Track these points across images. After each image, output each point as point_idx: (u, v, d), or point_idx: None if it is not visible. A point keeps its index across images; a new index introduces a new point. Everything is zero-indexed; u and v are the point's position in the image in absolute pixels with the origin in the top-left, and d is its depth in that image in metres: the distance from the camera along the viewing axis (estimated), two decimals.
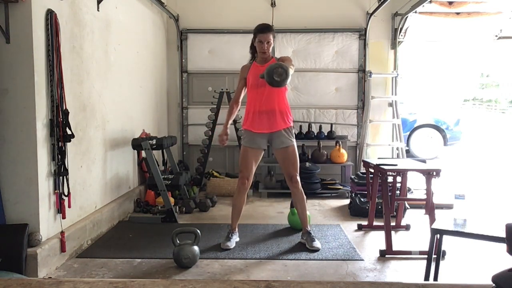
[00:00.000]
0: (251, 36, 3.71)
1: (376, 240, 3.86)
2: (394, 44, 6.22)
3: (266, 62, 3.64)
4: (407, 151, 7.41)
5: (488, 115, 25.02)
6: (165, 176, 4.64)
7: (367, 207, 4.44)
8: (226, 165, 6.37)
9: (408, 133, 9.11)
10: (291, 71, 3.29)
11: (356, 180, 5.11)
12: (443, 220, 2.74)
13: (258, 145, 3.67)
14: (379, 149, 6.34)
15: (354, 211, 4.72)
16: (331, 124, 6.10)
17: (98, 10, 3.97)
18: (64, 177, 3.27)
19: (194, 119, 6.38)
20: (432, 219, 3.47)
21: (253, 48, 3.75)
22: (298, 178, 3.69)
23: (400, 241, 3.83)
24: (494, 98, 30.74)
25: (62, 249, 3.23)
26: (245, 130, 3.76)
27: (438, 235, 2.63)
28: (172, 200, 4.75)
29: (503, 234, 2.00)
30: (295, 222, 4.10)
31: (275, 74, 3.21)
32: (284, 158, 3.67)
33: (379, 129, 6.42)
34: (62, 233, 3.24)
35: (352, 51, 6.25)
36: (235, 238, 3.77)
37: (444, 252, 3.33)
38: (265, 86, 3.49)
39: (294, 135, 3.72)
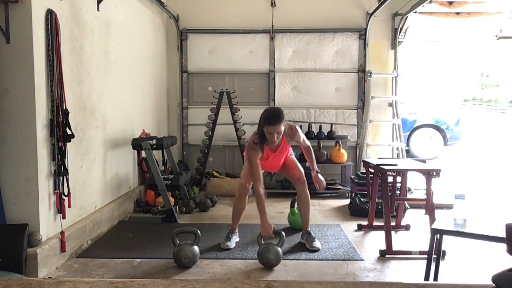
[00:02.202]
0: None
1: (376, 240, 3.86)
2: (394, 44, 6.22)
3: (278, 147, 3.61)
4: (407, 151, 7.41)
5: (488, 115, 25.01)
6: (165, 176, 4.64)
7: (367, 207, 4.44)
8: (226, 165, 6.36)
9: (408, 133, 9.11)
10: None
11: (356, 180, 5.11)
12: (443, 220, 2.74)
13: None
14: (379, 149, 6.34)
15: (354, 211, 4.72)
16: (331, 124, 6.10)
17: (98, 10, 3.97)
18: (64, 177, 3.27)
19: (194, 119, 6.38)
20: (432, 219, 3.47)
21: (260, 129, 3.46)
22: (305, 179, 3.75)
23: (400, 241, 3.83)
24: (494, 98, 30.73)
25: (62, 249, 3.23)
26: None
27: (438, 235, 2.63)
28: (172, 200, 4.75)
29: (503, 234, 2.00)
30: (295, 222, 4.10)
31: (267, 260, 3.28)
32: (287, 169, 3.83)
33: (379, 129, 6.42)
34: (62, 233, 3.24)
35: (352, 51, 6.25)
36: (235, 238, 3.77)
37: (444, 252, 3.33)
38: (273, 158, 3.66)
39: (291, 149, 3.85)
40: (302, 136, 3.72)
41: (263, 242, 3.34)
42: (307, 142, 3.78)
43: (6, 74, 2.97)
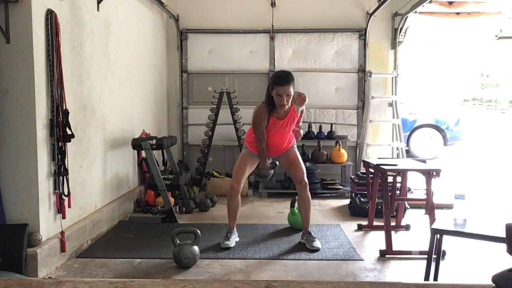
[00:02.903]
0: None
1: (376, 240, 3.86)
2: (394, 44, 6.22)
3: (286, 114, 3.45)
4: (407, 151, 7.41)
5: (488, 115, 25.00)
6: (165, 176, 4.64)
7: (367, 207, 4.44)
8: (226, 165, 6.36)
9: (408, 133, 9.11)
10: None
11: (356, 180, 5.11)
12: (443, 220, 2.74)
13: (257, 157, 3.73)
14: (379, 149, 6.34)
15: (354, 211, 4.72)
16: (331, 124, 6.10)
17: (98, 10, 3.97)
18: (64, 177, 3.27)
19: (194, 119, 6.38)
20: (432, 219, 3.47)
21: (268, 95, 3.37)
22: (307, 181, 3.72)
23: (400, 241, 3.83)
24: (494, 98, 30.71)
25: (62, 249, 3.23)
26: (246, 148, 3.76)
27: (438, 235, 2.63)
28: (172, 200, 4.75)
29: (503, 234, 2.00)
30: (295, 222, 4.10)
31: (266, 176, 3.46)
32: (289, 164, 3.76)
33: (379, 129, 6.42)
34: (62, 233, 3.24)
35: (352, 51, 6.25)
36: (235, 237, 3.77)
37: (444, 252, 3.33)
38: (279, 132, 3.54)
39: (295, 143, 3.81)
40: (304, 110, 3.66)
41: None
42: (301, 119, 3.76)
43: (6, 74, 2.97)
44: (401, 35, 6.14)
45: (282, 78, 3.23)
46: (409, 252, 3.47)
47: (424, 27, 6.05)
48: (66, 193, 3.29)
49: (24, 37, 2.95)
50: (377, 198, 4.17)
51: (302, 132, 3.88)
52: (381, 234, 3.68)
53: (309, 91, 6.27)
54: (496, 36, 6.16)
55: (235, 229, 3.82)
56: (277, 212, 4.86)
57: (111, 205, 4.25)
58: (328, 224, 4.38)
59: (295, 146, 3.81)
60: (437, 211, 3.61)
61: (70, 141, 3.27)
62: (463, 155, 10.09)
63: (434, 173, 3.56)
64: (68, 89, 3.36)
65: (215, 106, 5.79)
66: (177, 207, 4.80)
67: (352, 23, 6.22)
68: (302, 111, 3.61)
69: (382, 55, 6.27)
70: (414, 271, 3.19)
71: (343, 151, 5.79)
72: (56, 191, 3.22)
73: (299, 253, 3.55)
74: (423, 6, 5.23)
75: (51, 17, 3.12)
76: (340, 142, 5.84)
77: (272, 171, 3.79)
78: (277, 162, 3.79)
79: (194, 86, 6.41)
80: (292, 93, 3.28)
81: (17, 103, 2.98)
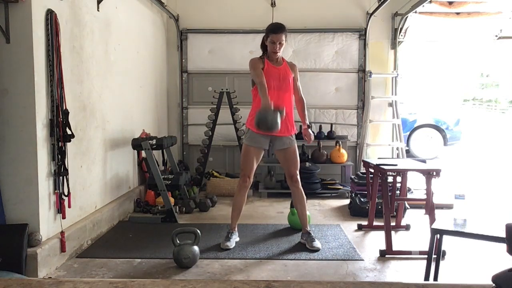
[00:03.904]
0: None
1: (376, 240, 3.86)
2: (394, 44, 6.22)
3: (277, 63, 3.66)
4: (407, 151, 7.41)
5: (488, 115, 25.00)
6: (165, 176, 4.64)
7: (367, 207, 4.44)
8: (226, 165, 6.37)
9: (408, 133, 9.11)
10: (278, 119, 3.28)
11: (356, 180, 5.11)
12: (443, 220, 2.74)
13: (260, 145, 3.66)
14: (379, 149, 6.34)
15: (354, 211, 4.72)
16: (331, 124, 6.10)
17: (98, 10, 3.97)
18: (64, 177, 3.27)
19: (194, 119, 6.38)
20: (432, 219, 3.47)
21: (264, 46, 3.68)
22: (298, 177, 3.72)
23: (400, 241, 3.83)
24: (494, 98, 30.70)
25: (62, 249, 3.23)
26: (248, 129, 3.71)
27: (438, 235, 2.63)
28: (172, 200, 4.75)
29: (503, 234, 2.00)
30: (295, 222, 4.10)
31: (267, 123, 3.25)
32: (285, 158, 3.72)
33: (379, 129, 6.42)
34: (62, 233, 3.24)
35: (352, 51, 6.25)
36: (235, 238, 3.77)
37: (444, 252, 3.33)
38: (279, 90, 3.59)
39: (295, 137, 3.76)
40: (299, 79, 3.82)
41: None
42: (301, 93, 3.84)
43: (6, 74, 2.97)
44: (401, 35, 6.14)
45: (277, 27, 3.56)
46: (409, 252, 3.47)
47: (424, 27, 6.05)
48: (66, 193, 3.29)
49: (24, 37, 2.95)
50: (377, 198, 4.17)
51: (312, 134, 3.77)
52: (381, 234, 3.68)
53: (309, 91, 6.27)
54: (496, 36, 6.16)
55: (236, 229, 3.81)
56: (277, 212, 4.86)
57: (111, 205, 4.25)
58: (328, 224, 4.38)
59: (296, 144, 3.75)
60: (437, 211, 3.60)
61: (70, 141, 3.27)
62: (463, 155, 10.09)
63: (434, 173, 3.56)
64: (68, 89, 3.36)
65: (215, 106, 5.79)
66: (177, 207, 4.80)
67: (352, 23, 6.22)
68: (297, 77, 3.78)
69: (382, 55, 6.27)
70: (414, 271, 3.19)
71: (343, 151, 5.79)
72: (56, 191, 3.22)
73: (299, 253, 3.55)
74: (423, 6, 5.23)
75: (51, 17, 3.12)
76: (340, 142, 5.84)
77: (276, 116, 3.22)
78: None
79: (194, 86, 6.41)
80: (284, 42, 3.58)
81: (17, 103, 2.98)
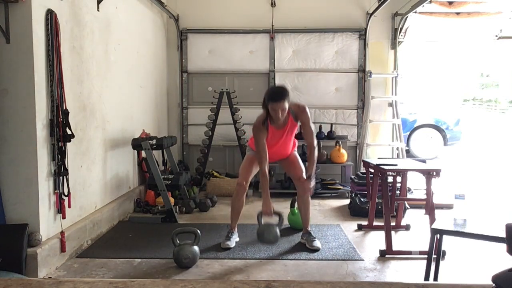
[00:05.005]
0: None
1: (376, 240, 3.86)
2: (394, 44, 6.22)
3: (284, 125, 3.48)
4: (407, 151, 7.41)
5: (488, 115, 24.98)
6: (165, 176, 4.64)
7: (367, 207, 4.44)
8: (226, 165, 6.36)
9: (408, 133, 9.10)
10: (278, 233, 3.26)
11: (356, 180, 5.11)
12: (443, 220, 2.74)
13: None
14: (379, 149, 6.34)
15: (354, 211, 4.72)
16: (331, 124, 6.10)
17: (98, 10, 3.97)
18: (64, 177, 3.27)
19: (194, 119, 6.38)
20: (432, 219, 3.47)
21: (265, 106, 3.39)
22: (305, 178, 3.71)
23: (400, 241, 3.83)
24: (494, 98, 30.68)
25: (62, 249, 3.23)
26: (250, 148, 3.78)
27: (438, 235, 2.63)
28: (172, 200, 4.75)
29: (503, 234, 2.00)
30: (295, 222, 4.10)
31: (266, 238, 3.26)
32: (288, 164, 3.80)
33: (379, 129, 6.42)
34: (62, 233, 3.24)
35: (352, 51, 6.25)
36: (235, 237, 3.77)
37: (444, 252, 3.33)
38: (280, 142, 3.57)
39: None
40: (310, 121, 3.49)
41: (262, 221, 3.31)
42: (314, 138, 3.52)
43: (6, 74, 2.97)
44: (401, 35, 6.14)
45: (276, 95, 3.33)
46: (409, 252, 3.47)
47: (424, 27, 6.05)
48: (66, 193, 3.29)
49: (24, 37, 2.95)
50: (377, 198, 4.17)
51: (316, 154, 3.52)
52: (381, 234, 3.68)
53: (309, 91, 6.29)
54: (496, 36, 6.16)
55: (236, 229, 3.82)
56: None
57: (111, 205, 4.25)
58: (328, 224, 4.38)
59: (295, 150, 3.86)
60: (437, 211, 3.60)
61: (70, 141, 3.27)
62: (463, 155, 10.09)
63: (434, 173, 3.56)
64: (68, 89, 3.36)
65: (215, 106, 5.79)
66: (177, 207, 4.80)
67: (352, 23, 6.22)
68: (306, 122, 3.49)
69: (382, 55, 6.27)
70: (414, 271, 3.19)
71: (343, 151, 5.79)
72: (56, 191, 3.22)
73: (299, 253, 3.55)
74: (423, 6, 5.23)
75: (51, 17, 3.12)
76: (340, 142, 5.84)
77: (275, 230, 3.26)
78: (282, 214, 3.41)
79: (194, 86, 6.41)
80: (287, 107, 3.34)
81: (17, 103, 2.98)
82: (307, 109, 3.50)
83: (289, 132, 3.57)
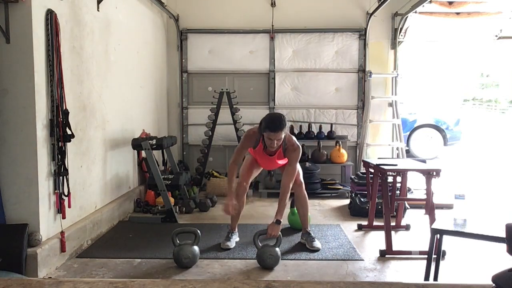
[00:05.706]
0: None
1: (376, 240, 3.86)
2: (394, 44, 6.22)
3: (274, 153, 3.48)
4: (407, 151, 7.41)
5: (488, 115, 24.98)
6: (165, 176, 4.64)
7: (367, 207, 4.44)
8: (226, 165, 6.34)
9: (408, 133, 9.10)
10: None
11: (356, 180, 5.11)
12: (443, 220, 2.75)
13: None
14: (379, 149, 6.34)
15: (354, 211, 4.72)
16: (331, 124, 6.10)
17: (98, 10, 3.97)
18: (64, 177, 3.27)
19: (194, 119, 6.38)
20: (432, 219, 3.47)
21: (261, 132, 3.37)
22: (302, 181, 3.75)
23: (400, 241, 3.83)
24: (494, 98, 30.67)
25: (62, 249, 3.23)
26: (250, 154, 3.80)
27: (438, 235, 2.63)
28: (172, 200, 4.75)
29: (503, 234, 2.00)
30: (295, 222, 4.10)
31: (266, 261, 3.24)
32: (285, 167, 3.73)
33: (379, 129, 6.42)
34: (62, 233, 3.24)
35: (352, 51, 6.25)
36: (235, 238, 3.77)
37: (444, 252, 3.33)
38: (268, 162, 3.63)
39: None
40: (297, 162, 3.48)
41: (260, 244, 3.31)
42: (292, 180, 3.47)
43: (6, 74, 2.97)
44: (401, 35, 6.14)
45: (274, 125, 3.25)
46: (409, 252, 3.47)
47: (424, 27, 6.05)
48: (66, 193, 3.29)
49: (24, 37, 2.95)
50: (377, 198, 4.17)
51: (287, 197, 3.46)
52: (381, 234, 3.68)
53: (309, 91, 6.30)
54: (496, 36, 6.16)
55: (236, 230, 3.82)
56: None
57: (111, 205, 4.25)
58: (328, 224, 4.38)
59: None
60: (437, 211, 3.60)
61: (70, 141, 3.27)
62: (463, 155, 10.08)
63: (434, 173, 3.56)
64: (68, 89, 3.36)
65: (215, 106, 5.79)
66: (177, 207, 4.80)
67: (352, 23, 6.22)
68: (292, 161, 3.45)
69: (382, 55, 6.27)
70: (414, 271, 3.19)
71: (343, 151, 5.79)
72: (56, 191, 3.22)
73: (299, 253, 3.55)
74: (423, 6, 5.23)
75: (51, 17, 3.12)
76: (340, 142, 5.84)
77: (275, 249, 3.26)
78: (281, 236, 3.38)
79: (194, 86, 6.41)
80: (283, 137, 3.33)
81: (17, 103, 2.98)
82: (300, 151, 3.46)
83: (277, 159, 3.57)
